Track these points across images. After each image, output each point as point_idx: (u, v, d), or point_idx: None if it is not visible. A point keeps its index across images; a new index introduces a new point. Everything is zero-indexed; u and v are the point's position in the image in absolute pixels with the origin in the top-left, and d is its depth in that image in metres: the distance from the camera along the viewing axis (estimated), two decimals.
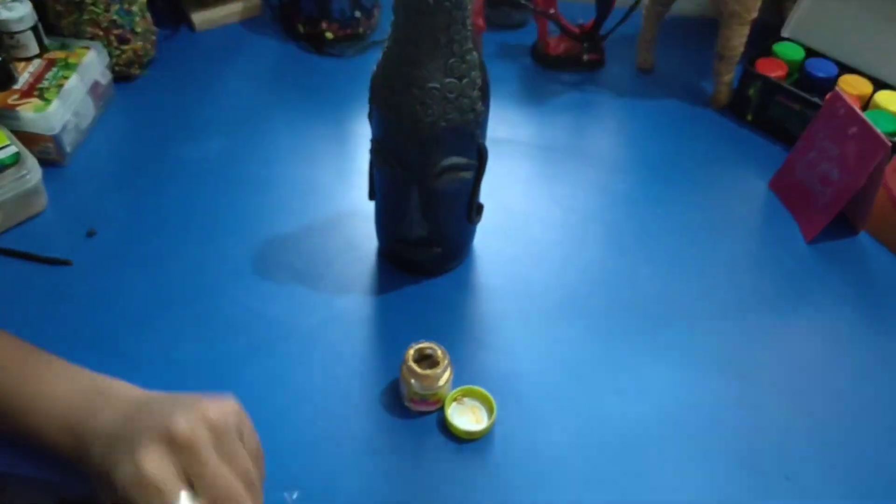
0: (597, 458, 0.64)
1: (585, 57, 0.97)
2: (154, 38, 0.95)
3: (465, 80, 0.61)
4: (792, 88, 0.88)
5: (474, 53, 0.61)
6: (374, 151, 0.67)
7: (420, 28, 0.58)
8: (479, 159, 0.67)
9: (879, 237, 0.80)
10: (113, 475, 0.49)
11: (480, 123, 0.65)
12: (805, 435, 0.66)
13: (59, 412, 0.55)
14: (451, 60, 0.60)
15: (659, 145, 0.91)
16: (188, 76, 0.96)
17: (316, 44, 0.99)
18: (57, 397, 0.55)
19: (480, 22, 0.97)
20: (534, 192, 0.85)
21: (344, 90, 0.95)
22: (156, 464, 0.48)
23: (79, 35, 0.88)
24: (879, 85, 0.88)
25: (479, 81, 0.62)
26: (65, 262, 0.75)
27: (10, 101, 0.80)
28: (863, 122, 0.75)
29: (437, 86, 0.60)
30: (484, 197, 0.73)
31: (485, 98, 0.64)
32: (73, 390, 0.56)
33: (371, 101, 0.65)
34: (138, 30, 0.91)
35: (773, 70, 0.90)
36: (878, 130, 0.74)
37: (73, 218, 0.79)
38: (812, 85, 0.89)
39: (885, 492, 0.63)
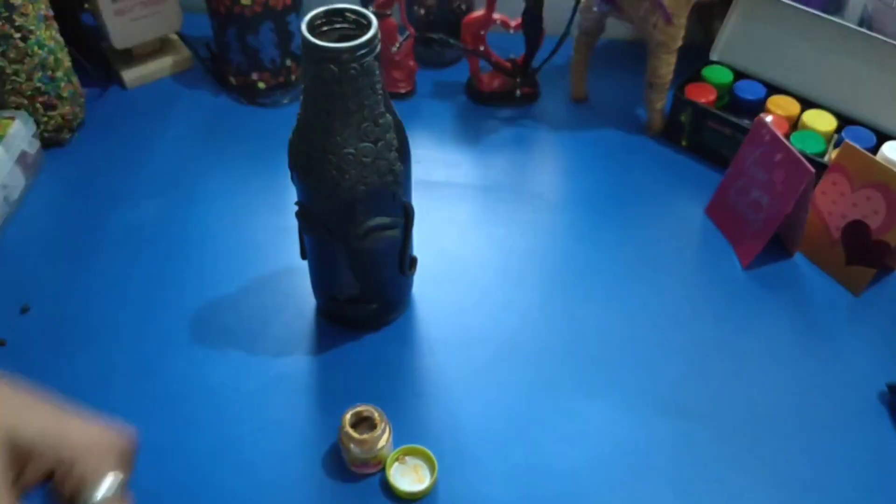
0: None
1: (518, 92, 0.97)
2: (82, 100, 0.94)
3: (380, 143, 0.61)
4: (721, 113, 0.88)
5: (388, 115, 0.61)
6: (298, 215, 0.67)
7: (329, 96, 0.58)
8: (406, 216, 0.67)
9: (813, 258, 0.81)
10: None
11: (401, 183, 0.64)
12: (747, 467, 0.66)
13: None
14: (365, 125, 0.60)
15: (596, 177, 0.91)
16: (121, 136, 0.95)
17: (248, 94, 0.98)
18: None
19: (411, 63, 0.97)
20: (472, 235, 0.85)
21: (278, 139, 0.92)
22: None
23: (3, 105, 0.87)
24: (807, 104, 0.88)
25: (395, 143, 0.62)
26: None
27: None
28: (787, 149, 0.76)
29: (353, 151, 0.60)
30: (421, 241, 0.73)
31: (403, 157, 0.64)
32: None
33: (290, 167, 0.64)
34: (65, 94, 0.89)
35: (702, 95, 0.90)
36: (801, 157, 0.74)
37: (7, 294, 0.77)
38: (742, 107, 0.90)
39: None
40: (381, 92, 0.60)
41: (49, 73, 0.87)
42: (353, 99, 0.58)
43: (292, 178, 0.66)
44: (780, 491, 0.65)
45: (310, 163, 0.62)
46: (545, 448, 0.67)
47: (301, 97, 0.61)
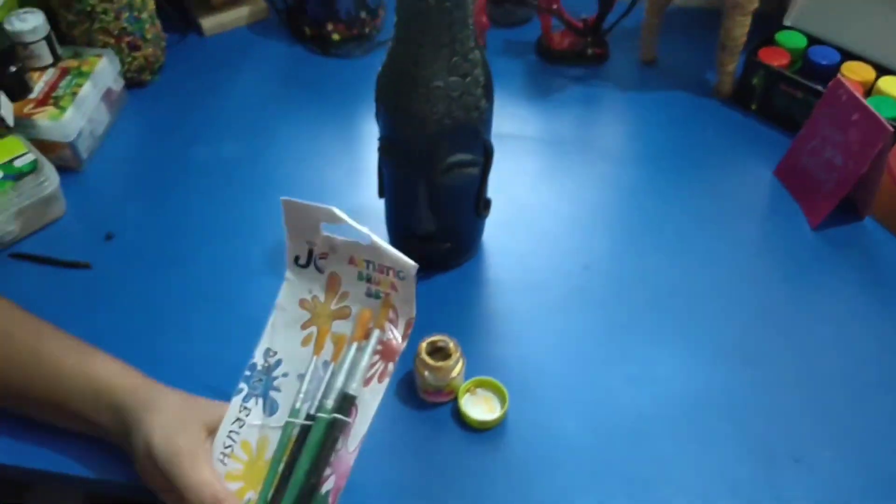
0: (608, 443, 0.65)
1: (590, 51, 0.98)
2: (164, 44, 0.96)
3: (468, 78, 0.62)
4: (795, 77, 0.88)
5: (477, 52, 0.63)
6: (381, 150, 0.69)
7: (422, 28, 0.60)
8: (486, 155, 0.69)
9: (884, 222, 0.81)
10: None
11: (485, 120, 0.66)
12: (813, 418, 0.67)
13: (105, 394, 0.58)
14: (455, 59, 0.61)
15: (664, 136, 0.92)
16: (198, 80, 0.97)
17: (322, 45, 1.01)
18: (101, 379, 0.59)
19: (484, 20, 0.98)
20: (541, 186, 0.86)
21: (351, 90, 0.97)
22: None
23: (91, 43, 0.90)
24: (882, 71, 0.88)
25: (482, 79, 0.64)
26: (84, 266, 0.77)
27: (26, 111, 0.82)
28: (865, 108, 0.76)
29: (441, 84, 0.62)
30: (492, 192, 0.74)
31: (488, 95, 0.65)
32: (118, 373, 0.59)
33: (377, 100, 0.66)
34: (148, 36, 0.92)
35: (775, 59, 0.90)
36: (881, 116, 0.74)
37: (91, 222, 0.81)
38: (815, 73, 0.90)
39: (893, 472, 0.64)
40: (471, 27, 0.61)
41: (135, 13, 0.90)
42: (446, 32, 0.60)
43: (377, 114, 0.68)
44: (843, 443, 0.65)
45: (398, 95, 0.63)
46: (611, 388, 0.69)
47: (393, 31, 0.62)
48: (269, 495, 0.54)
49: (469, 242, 0.77)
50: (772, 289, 0.77)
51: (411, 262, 0.52)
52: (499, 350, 0.71)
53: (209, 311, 0.73)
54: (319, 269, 0.57)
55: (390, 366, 0.54)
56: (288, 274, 0.58)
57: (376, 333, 0.55)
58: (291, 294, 0.58)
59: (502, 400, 0.66)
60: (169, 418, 0.55)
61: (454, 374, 0.65)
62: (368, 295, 0.56)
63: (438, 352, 0.66)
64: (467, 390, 0.67)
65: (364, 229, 0.53)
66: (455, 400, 0.66)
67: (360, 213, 0.80)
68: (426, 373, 0.64)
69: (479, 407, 0.66)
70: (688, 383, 0.69)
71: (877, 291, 0.77)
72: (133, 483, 0.60)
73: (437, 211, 0.70)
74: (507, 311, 0.74)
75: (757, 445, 0.65)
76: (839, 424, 0.67)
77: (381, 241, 0.53)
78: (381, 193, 0.74)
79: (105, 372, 0.59)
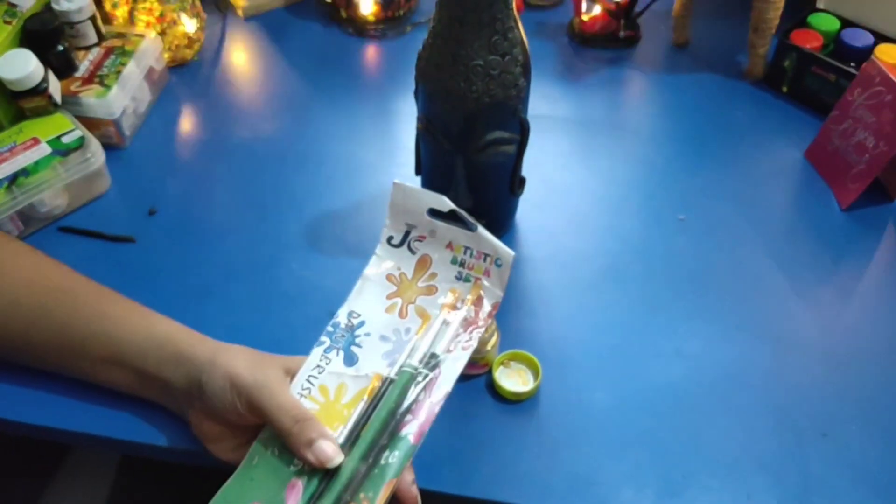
0: (638, 417, 0.66)
1: (622, 34, 0.99)
2: (204, 24, 0.98)
3: (507, 57, 0.64)
4: (827, 59, 0.89)
5: (516, 31, 0.64)
6: (421, 127, 0.71)
7: (464, 7, 0.61)
8: (522, 133, 0.70)
9: None
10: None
11: (522, 98, 0.67)
12: (840, 394, 0.68)
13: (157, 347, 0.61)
14: (495, 38, 0.63)
15: (695, 118, 0.93)
16: (237, 61, 0.99)
17: (358, 26, 1.02)
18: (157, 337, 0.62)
19: (518, 2, 1.00)
20: (574, 166, 0.87)
21: (386, 71, 0.99)
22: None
23: (134, 23, 0.92)
24: None
25: (521, 58, 0.65)
26: (128, 239, 0.79)
27: (72, 88, 0.85)
28: None
29: (481, 63, 0.63)
30: (526, 170, 0.76)
31: (527, 74, 0.67)
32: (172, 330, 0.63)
33: (417, 78, 0.68)
34: (189, 17, 0.94)
35: (808, 41, 0.91)
36: None
37: (135, 197, 0.83)
38: (848, 55, 0.90)
39: None
40: (511, 6, 0.62)
41: None
42: (486, 11, 0.61)
43: (415, 93, 0.70)
44: (869, 419, 0.67)
45: (438, 73, 0.65)
46: (643, 363, 0.70)
47: (435, 10, 0.64)
48: (353, 433, 0.56)
49: (503, 219, 0.78)
50: (801, 268, 0.78)
51: (510, 251, 0.59)
52: (532, 325, 0.73)
53: (250, 284, 0.75)
54: (412, 251, 0.62)
55: (475, 335, 0.59)
56: (378, 249, 0.63)
57: (465, 309, 0.60)
58: (378, 267, 0.62)
59: (535, 373, 0.68)
60: (248, 356, 0.58)
61: (489, 347, 0.67)
62: (458, 278, 0.61)
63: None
64: (501, 363, 0.69)
65: (470, 218, 0.59)
66: (489, 372, 0.68)
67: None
68: None
69: (513, 379, 0.68)
70: (717, 359, 0.70)
71: None
72: (169, 446, 0.63)
73: (473, 188, 0.71)
74: (540, 288, 0.76)
75: (785, 420, 0.66)
76: (866, 401, 0.68)
77: (485, 230, 0.59)
78: (419, 170, 0.76)
79: (167, 327, 0.62)
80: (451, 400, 0.67)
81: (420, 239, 0.62)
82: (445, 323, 0.60)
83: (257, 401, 0.56)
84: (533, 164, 0.79)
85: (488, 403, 0.67)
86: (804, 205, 0.84)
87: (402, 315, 0.61)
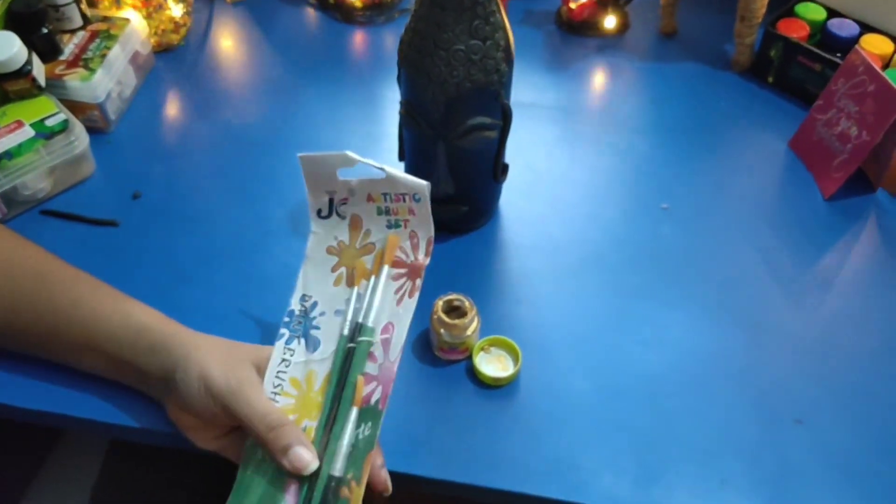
0: (616, 403, 0.67)
1: (609, 22, 0.99)
2: (190, 9, 0.98)
3: (489, 42, 0.64)
4: (813, 49, 0.89)
5: (498, 15, 0.64)
6: (403, 112, 0.71)
7: None
8: (504, 119, 0.70)
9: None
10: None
11: (504, 84, 0.67)
12: (816, 382, 0.69)
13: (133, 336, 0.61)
14: (476, 22, 0.63)
15: (681, 107, 0.93)
16: (223, 46, 0.99)
17: (345, 13, 1.02)
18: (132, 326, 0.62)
19: None
20: (558, 154, 0.87)
21: (373, 57, 0.98)
22: None
23: (119, 6, 0.92)
24: None
25: (503, 43, 0.65)
26: (111, 223, 0.79)
27: (57, 72, 0.84)
28: (882, 79, 0.77)
29: (463, 47, 0.63)
30: (509, 158, 0.76)
31: (508, 59, 0.67)
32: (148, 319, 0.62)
33: (399, 63, 0.68)
34: (175, 2, 0.94)
35: (794, 31, 0.91)
36: (895, 87, 0.75)
37: (120, 182, 0.83)
38: (834, 45, 0.90)
39: (891, 434, 0.65)
40: None
41: None
42: None
43: (398, 78, 0.70)
44: (844, 406, 0.67)
45: (420, 58, 0.65)
46: (623, 349, 0.70)
47: None
48: (326, 417, 0.57)
49: (486, 206, 0.78)
50: (783, 257, 0.78)
51: (423, 181, 0.58)
52: (513, 311, 0.73)
53: (232, 269, 0.75)
54: (341, 216, 0.62)
55: (418, 282, 0.59)
56: (313, 227, 0.62)
57: (385, 270, 0.60)
58: (318, 244, 0.62)
59: (515, 358, 0.68)
60: (222, 354, 0.58)
61: (469, 332, 0.67)
62: (389, 226, 0.61)
63: (454, 310, 0.68)
64: (481, 348, 0.69)
65: (376, 164, 0.57)
66: (469, 358, 0.69)
67: None
68: (442, 330, 0.67)
69: (493, 365, 0.68)
70: (696, 346, 0.71)
71: (887, 262, 0.78)
72: (157, 430, 0.63)
73: (456, 174, 0.71)
74: (521, 274, 0.76)
75: (761, 407, 0.67)
76: (841, 389, 0.68)
77: (394, 169, 0.58)
78: (402, 156, 0.76)
79: (144, 315, 0.62)
80: (432, 385, 0.68)
81: (344, 202, 0.61)
82: (389, 278, 0.60)
83: (232, 408, 0.56)
84: (518, 152, 0.79)
85: (468, 389, 0.67)
86: (787, 194, 0.84)
87: (349, 283, 0.61)
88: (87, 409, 0.64)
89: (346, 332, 0.59)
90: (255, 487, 0.56)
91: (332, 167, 0.60)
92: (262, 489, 0.56)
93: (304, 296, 0.62)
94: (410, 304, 0.59)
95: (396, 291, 0.59)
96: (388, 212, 0.60)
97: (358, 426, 0.56)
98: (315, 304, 0.61)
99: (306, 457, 0.55)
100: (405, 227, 0.60)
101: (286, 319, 0.61)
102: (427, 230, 0.60)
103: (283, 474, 0.56)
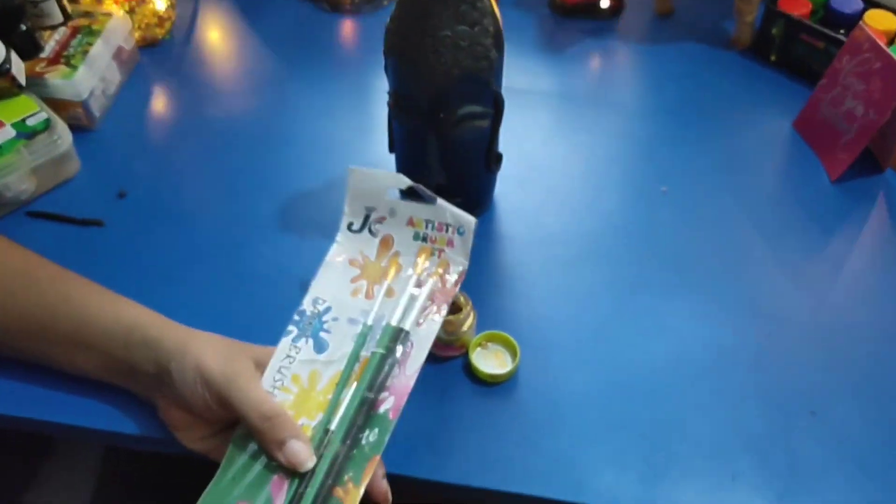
0: (619, 399, 0.65)
1: (603, 4, 0.97)
2: (174, 2, 0.96)
3: (477, 27, 0.61)
4: (816, 26, 0.86)
5: (486, 0, 0.61)
6: (391, 103, 0.68)
7: None
8: (496, 107, 0.68)
9: None
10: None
11: (495, 71, 0.65)
12: (828, 371, 0.66)
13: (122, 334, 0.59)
14: (463, 7, 0.60)
15: (680, 89, 0.90)
16: (209, 39, 0.97)
17: (333, 2, 0.99)
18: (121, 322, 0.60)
19: None
20: (554, 141, 0.85)
21: (362, 47, 0.96)
22: None
23: (101, 2, 0.90)
24: None
25: (491, 28, 0.62)
26: (97, 223, 0.77)
27: (37, 69, 0.82)
28: (888, 56, 0.74)
29: (449, 33, 0.61)
30: (503, 147, 0.73)
31: (498, 45, 0.64)
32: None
33: (385, 52, 0.65)
34: None
35: (796, 8, 0.88)
36: None
37: (105, 180, 0.81)
38: (837, 22, 0.87)
39: None
40: None
41: None
42: None
43: (385, 67, 0.67)
44: (859, 396, 0.65)
45: (406, 45, 0.62)
46: (624, 342, 0.68)
47: None
48: (330, 416, 0.56)
49: (480, 197, 0.76)
50: (789, 242, 0.76)
51: (471, 217, 0.59)
52: (510, 304, 0.71)
53: (220, 267, 0.73)
54: (373, 234, 0.62)
55: (443, 307, 0.59)
56: (339, 237, 0.62)
57: (430, 282, 0.60)
58: (340, 253, 0.62)
59: (513, 354, 0.66)
60: (220, 347, 0.57)
61: (465, 327, 0.65)
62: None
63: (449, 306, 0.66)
64: (478, 344, 0.67)
65: (428, 192, 0.58)
66: (466, 354, 0.66)
67: (371, 167, 0.81)
68: None
69: (490, 361, 0.66)
70: (701, 337, 0.68)
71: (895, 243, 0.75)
72: (150, 436, 0.61)
73: (448, 165, 0.69)
74: (518, 266, 0.74)
75: (772, 399, 0.65)
76: (855, 378, 0.66)
77: (443, 200, 0.59)
78: (392, 148, 0.74)
79: (135, 311, 0.60)
80: (427, 383, 0.65)
81: (380, 220, 0.62)
82: (413, 297, 0.59)
83: (226, 396, 0.54)
84: (512, 140, 0.77)
85: (465, 386, 0.65)
86: (792, 176, 0.82)
87: (367, 296, 0.60)
88: (79, 416, 0.63)
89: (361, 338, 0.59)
90: (239, 481, 0.54)
91: (380, 185, 0.61)
92: (247, 483, 0.54)
93: (317, 298, 0.60)
94: (433, 325, 0.58)
95: (423, 311, 0.59)
96: (425, 239, 0.61)
97: (363, 430, 0.55)
98: (328, 309, 0.60)
99: (303, 453, 0.53)
100: (439, 256, 0.61)
101: (296, 318, 0.60)
102: (462, 263, 0.60)
103: (273, 468, 0.54)
